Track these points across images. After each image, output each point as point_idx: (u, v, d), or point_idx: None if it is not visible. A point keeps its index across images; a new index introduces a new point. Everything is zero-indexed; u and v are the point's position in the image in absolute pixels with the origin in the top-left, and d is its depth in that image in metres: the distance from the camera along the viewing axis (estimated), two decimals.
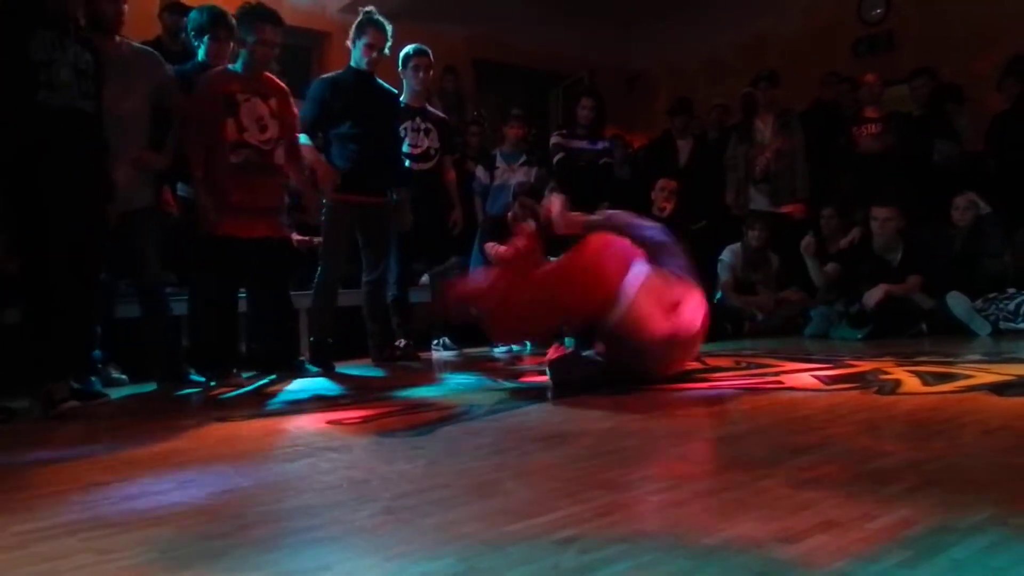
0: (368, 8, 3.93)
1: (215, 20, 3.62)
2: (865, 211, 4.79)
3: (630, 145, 7.08)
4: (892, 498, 1.19)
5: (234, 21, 3.53)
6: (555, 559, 0.99)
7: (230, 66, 3.59)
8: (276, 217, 3.61)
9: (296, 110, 3.73)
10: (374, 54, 3.86)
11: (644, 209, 5.31)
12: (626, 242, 2.84)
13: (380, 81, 4.04)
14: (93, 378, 3.12)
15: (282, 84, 3.66)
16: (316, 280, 3.89)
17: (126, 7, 3.29)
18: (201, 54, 3.68)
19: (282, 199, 3.68)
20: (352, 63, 3.94)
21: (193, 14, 3.74)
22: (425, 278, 4.84)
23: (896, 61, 6.48)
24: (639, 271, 2.66)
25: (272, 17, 3.49)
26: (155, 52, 3.51)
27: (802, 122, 5.58)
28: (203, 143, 3.41)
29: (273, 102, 3.54)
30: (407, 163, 4.30)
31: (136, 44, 3.47)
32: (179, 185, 3.67)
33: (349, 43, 3.93)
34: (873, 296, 4.46)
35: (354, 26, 3.90)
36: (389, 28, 3.89)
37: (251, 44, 3.45)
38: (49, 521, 1.29)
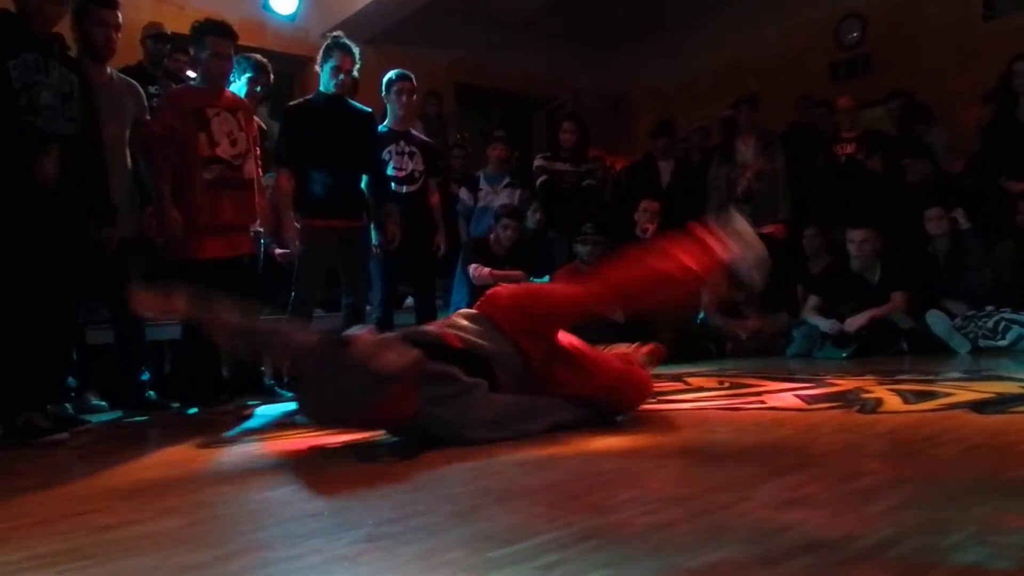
0: (336, 32, 3.95)
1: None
2: (843, 230, 4.83)
3: (612, 167, 7.14)
4: (875, 517, 1.19)
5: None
6: None
7: (192, 82, 3.58)
8: (249, 233, 3.58)
9: (255, 126, 3.69)
10: (341, 76, 3.85)
11: (627, 230, 5.36)
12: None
13: (352, 102, 4.04)
14: (66, 405, 3.08)
15: (242, 99, 3.66)
16: (290, 304, 3.85)
17: (117, 35, 3.29)
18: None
19: (254, 214, 3.61)
20: (320, 87, 3.94)
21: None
22: (410, 300, 4.83)
23: (873, 83, 6.60)
24: None
25: (221, 29, 3.46)
26: (136, 84, 3.54)
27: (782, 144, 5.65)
28: (171, 160, 3.34)
29: (240, 115, 3.52)
30: (392, 185, 4.31)
31: (122, 75, 3.49)
32: None
33: (317, 67, 3.93)
34: (854, 323, 4.50)
35: (321, 50, 3.90)
36: (357, 51, 3.89)
37: (205, 59, 3.44)
38: (27, 552, 1.26)
